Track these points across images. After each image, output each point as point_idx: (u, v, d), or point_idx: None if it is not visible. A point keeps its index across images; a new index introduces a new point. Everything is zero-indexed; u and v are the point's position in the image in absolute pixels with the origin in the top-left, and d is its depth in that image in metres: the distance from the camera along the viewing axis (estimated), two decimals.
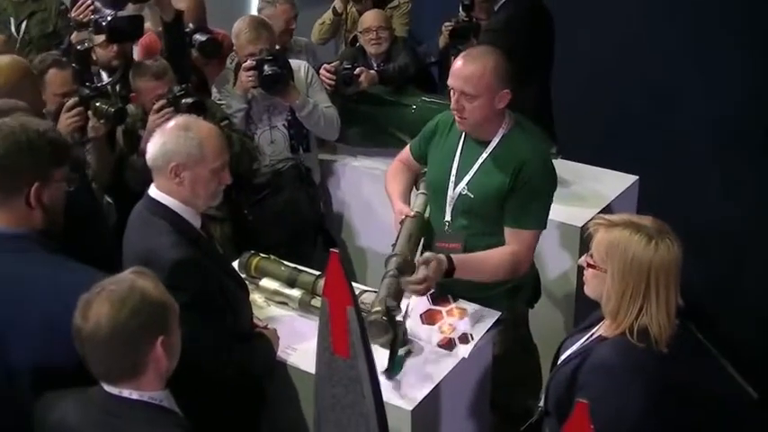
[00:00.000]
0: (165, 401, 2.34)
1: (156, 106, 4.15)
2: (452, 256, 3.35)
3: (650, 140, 5.78)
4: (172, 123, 3.10)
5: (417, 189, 3.86)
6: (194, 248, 3.02)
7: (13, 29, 5.45)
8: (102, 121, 4.10)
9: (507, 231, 3.48)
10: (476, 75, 3.38)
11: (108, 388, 2.29)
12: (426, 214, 3.72)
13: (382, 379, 3.10)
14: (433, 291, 3.60)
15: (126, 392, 2.28)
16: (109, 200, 4.19)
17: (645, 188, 4.84)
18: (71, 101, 4.04)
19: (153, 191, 3.08)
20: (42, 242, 2.61)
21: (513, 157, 3.45)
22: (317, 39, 6.13)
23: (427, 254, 3.31)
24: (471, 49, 3.61)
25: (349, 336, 2.37)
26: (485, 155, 3.52)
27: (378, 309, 3.10)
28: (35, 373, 2.49)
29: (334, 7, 6.06)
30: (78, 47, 4.45)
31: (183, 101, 4.11)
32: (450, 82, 3.47)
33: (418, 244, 3.59)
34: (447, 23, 5.21)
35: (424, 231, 3.65)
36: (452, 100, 3.47)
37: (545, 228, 3.55)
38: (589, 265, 2.72)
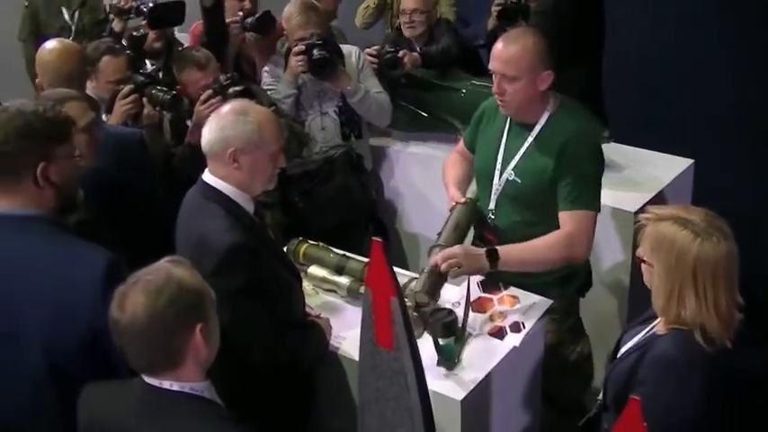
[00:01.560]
0: (206, 392, 2.31)
1: (202, 96, 4.12)
2: (498, 248, 3.31)
3: (705, 125, 5.66)
4: (227, 108, 3.07)
5: None
6: (248, 234, 3.00)
7: (67, 18, 5.49)
8: (157, 109, 4.10)
9: (561, 215, 3.41)
10: (516, 56, 3.35)
11: (148, 379, 2.28)
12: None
13: (431, 368, 3.08)
14: (482, 278, 3.57)
15: (166, 383, 2.26)
16: None
17: (701, 172, 4.72)
18: (126, 88, 4.05)
19: (207, 176, 3.07)
20: (55, 222, 2.63)
21: (556, 138, 3.40)
22: (360, 23, 6.07)
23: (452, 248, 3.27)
24: (511, 31, 3.57)
25: (393, 327, 2.33)
26: (530, 138, 3.47)
27: (407, 304, 3.05)
28: (46, 353, 2.53)
29: None
30: (134, 33, 4.47)
31: (231, 89, 4.08)
32: (491, 66, 3.44)
33: (466, 232, 3.53)
34: (496, 4, 5.13)
35: (474, 219, 3.59)
36: (494, 83, 3.44)
37: (599, 210, 3.47)
38: (640, 260, 2.67)
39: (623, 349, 2.83)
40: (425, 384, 2.43)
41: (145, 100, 4.09)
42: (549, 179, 3.40)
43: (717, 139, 5.57)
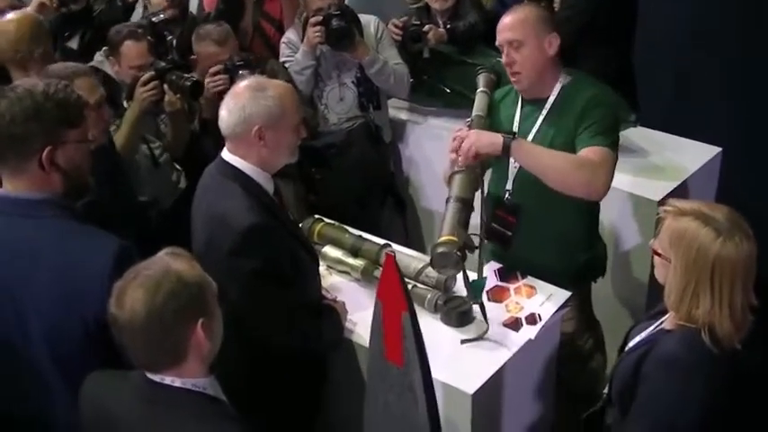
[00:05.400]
0: (209, 389, 2.24)
1: (211, 70, 4.08)
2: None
3: (736, 113, 5.51)
4: (243, 86, 3.00)
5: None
6: (267, 214, 2.96)
7: None
8: (177, 95, 4.04)
9: (579, 151, 3.29)
10: (518, 20, 3.39)
11: (149, 374, 2.22)
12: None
13: (442, 362, 3.02)
14: (501, 266, 3.53)
15: (168, 379, 2.20)
16: (178, 167, 4.15)
17: (729, 161, 4.59)
18: (147, 75, 3.99)
19: (226, 154, 3.02)
20: (62, 206, 2.56)
21: (574, 104, 3.35)
22: (411, 2, 5.91)
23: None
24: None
25: (403, 342, 2.26)
26: (544, 111, 3.43)
27: (453, 239, 2.94)
28: (50, 342, 2.49)
29: None
30: (153, 19, 4.42)
31: (241, 72, 4.01)
32: (498, 41, 3.43)
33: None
34: None
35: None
36: (504, 56, 3.41)
37: (616, 152, 3.34)
38: (655, 252, 2.63)
39: (631, 343, 2.80)
40: (435, 402, 2.37)
41: (166, 86, 4.02)
42: (568, 144, 3.31)
43: (747, 129, 5.42)
